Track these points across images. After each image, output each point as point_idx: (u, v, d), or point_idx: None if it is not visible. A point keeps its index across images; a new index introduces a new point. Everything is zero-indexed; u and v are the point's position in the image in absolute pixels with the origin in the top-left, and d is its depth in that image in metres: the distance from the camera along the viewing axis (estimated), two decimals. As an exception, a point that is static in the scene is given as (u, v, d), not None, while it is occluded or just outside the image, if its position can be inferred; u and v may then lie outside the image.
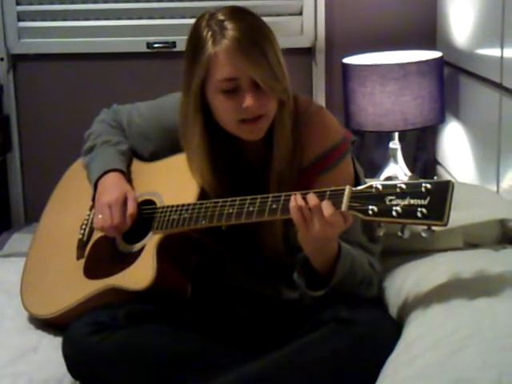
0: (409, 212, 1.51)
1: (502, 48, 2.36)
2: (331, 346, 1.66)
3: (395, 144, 3.07)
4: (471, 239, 2.01)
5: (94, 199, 1.99)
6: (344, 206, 1.60)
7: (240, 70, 1.73)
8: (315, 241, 1.67)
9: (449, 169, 3.12)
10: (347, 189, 1.61)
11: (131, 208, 1.92)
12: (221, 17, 1.77)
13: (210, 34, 1.75)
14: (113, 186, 1.95)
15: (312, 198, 1.63)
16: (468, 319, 1.57)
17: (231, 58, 1.73)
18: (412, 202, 1.51)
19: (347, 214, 1.62)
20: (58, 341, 1.90)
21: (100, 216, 1.92)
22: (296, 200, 1.65)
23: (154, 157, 2.01)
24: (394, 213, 1.52)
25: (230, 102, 1.76)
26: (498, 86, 2.41)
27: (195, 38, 1.79)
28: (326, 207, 1.61)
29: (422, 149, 3.35)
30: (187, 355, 1.75)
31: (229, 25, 1.74)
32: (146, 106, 2.06)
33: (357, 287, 1.76)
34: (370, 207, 1.55)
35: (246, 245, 1.87)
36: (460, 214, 1.86)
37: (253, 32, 1.76)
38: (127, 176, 2.01)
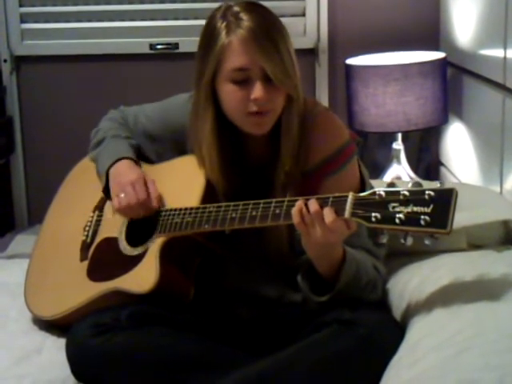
0: (412, 219, 1.50)
1: (505, 49, 2.36)
2: (334, 347, 1.66)
3: (398, 145, 3.06)
4: (474, 240, 2.00)
5: (104, 190, 1.97)
6: (347, 213, 1.59)
7: (252, 60, 1.74)
8: (318, 246, 1.66)
9: (452, 170, 3.12)
10: (350, 195, 1.60)
11: (155, 191, 1.89)
12: (236, 9, 1.78)
13: (224, 24, 1.76)
14: (128, 169, 1.93)
15: (313, 205, 1.63)
16: (471, 321, 1.57)
17: (245, 47, 1.74)
18: (415, 209, 1.50)
19: (350, 221, 1.61)
20: (61, 342, 1.90)
21: (122, 195, 1.88)
22: (298, 206, 1.64)
23: (158, 158, 2.01)
24: (397, 220, 1.52)
25: (239, 93, 1.76)
26: (502, 87, 2.41)
27: (209, 29, 1.79)
28: (328, 214, 1.61)
29: (425, 150, 3.35)
30: (190, 357, 1.74)
31: (244, 16, 1.75)
32: (151, 108, 2.06)
33: (361, 291, 1.76)
34: (373, 214, 1.55)
35: (249, 246, 1.86)
36: (463, 215, 1.86)
37: (267, 25, 1.76)
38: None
